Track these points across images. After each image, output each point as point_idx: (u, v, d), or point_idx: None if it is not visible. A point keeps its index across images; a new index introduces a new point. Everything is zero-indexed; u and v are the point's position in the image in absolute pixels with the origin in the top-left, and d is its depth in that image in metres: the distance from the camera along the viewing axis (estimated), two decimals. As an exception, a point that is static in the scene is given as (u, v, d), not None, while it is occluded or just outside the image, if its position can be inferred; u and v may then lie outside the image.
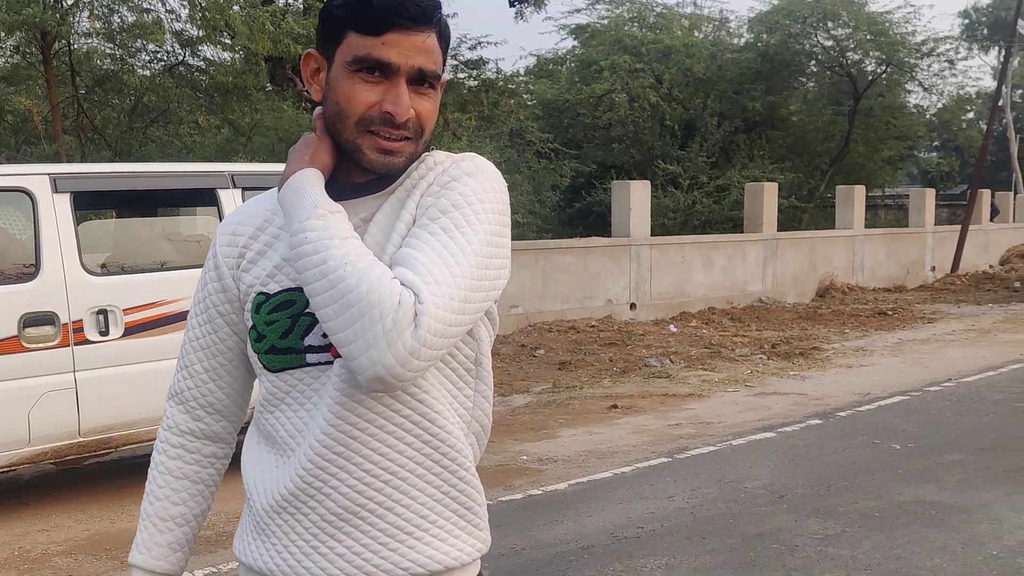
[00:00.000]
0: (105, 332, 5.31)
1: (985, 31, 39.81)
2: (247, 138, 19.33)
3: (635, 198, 13.66)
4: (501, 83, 17.16)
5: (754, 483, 5.59)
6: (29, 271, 5.21)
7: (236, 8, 11.73)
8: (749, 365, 10.07)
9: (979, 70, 41.68)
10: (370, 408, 1.32)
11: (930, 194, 20.91)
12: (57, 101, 12.35)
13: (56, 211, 5.23)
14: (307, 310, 1.34)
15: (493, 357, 7.31)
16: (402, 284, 1.22)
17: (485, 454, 6.06)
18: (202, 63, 16.72)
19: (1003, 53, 21.02)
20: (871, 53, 22.67)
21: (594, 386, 8.91)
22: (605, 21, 23.84)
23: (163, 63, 15.97)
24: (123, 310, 5.36)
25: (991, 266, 22.45)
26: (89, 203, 5.67)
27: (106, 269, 5.57)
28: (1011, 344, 11.45)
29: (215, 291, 1.46)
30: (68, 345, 5.19)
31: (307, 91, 10.39)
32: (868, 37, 22.21)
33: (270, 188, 5.11)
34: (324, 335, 1.33)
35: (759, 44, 23.09)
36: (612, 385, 8.96)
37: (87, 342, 5.25)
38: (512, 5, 16.80)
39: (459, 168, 1.35)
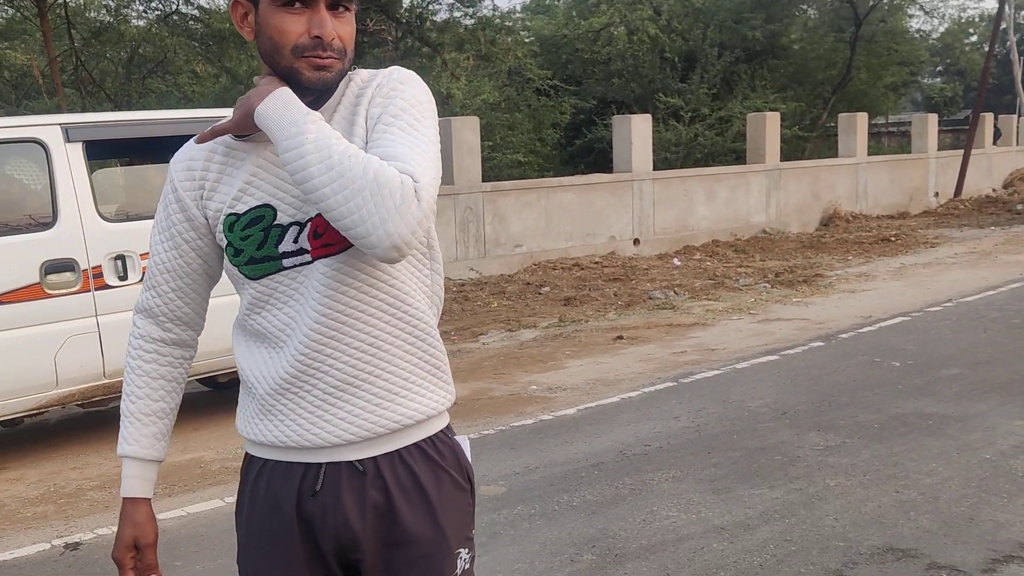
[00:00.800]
0: (124, 276, 5.46)
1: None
2: (245, 86, 19.29)
3: (636, 132, 13.69)
4: (498, 21, 17.09)
5: (757, 402, 5.78)
6: (45, 220, 5.34)
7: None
8: (753, 294, 10.23)
9: (982, -8, 41.12)
10: (352, 296, 1.55)
11: (933, 119, 20.82)
12: (55, 55, 12.37)
13: (70, 160, 5.36)
14: (276, 222, 1.55)
15: (499, 296, 7.50)
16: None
17: (495, 384, 6.27)
18: (195, 11, 16.67)
19: (1005, -27, 20.75)
20: (871, -23, 22.42)
21: (599, 319, 9.09)
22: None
23: (158, 12, 15.93)
24: (140, 255, 5.51)
25: (994, 189, 22.44)
26: (101, 151, 5.79)
27: (121, 215, 5.71)
28: (1011, 265, 11.58)
29: (179, 221, 1.65)
30: (89, 290, 5.35)
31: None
32: (868, -39, 21.96)
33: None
34: (295, 241, 1.54)
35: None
36: (617, 318, 9.13)
37: (107, 287, 5.41)
38: (507, -59, 16.65)
39: (394, 80, 1.56)
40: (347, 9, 1.54)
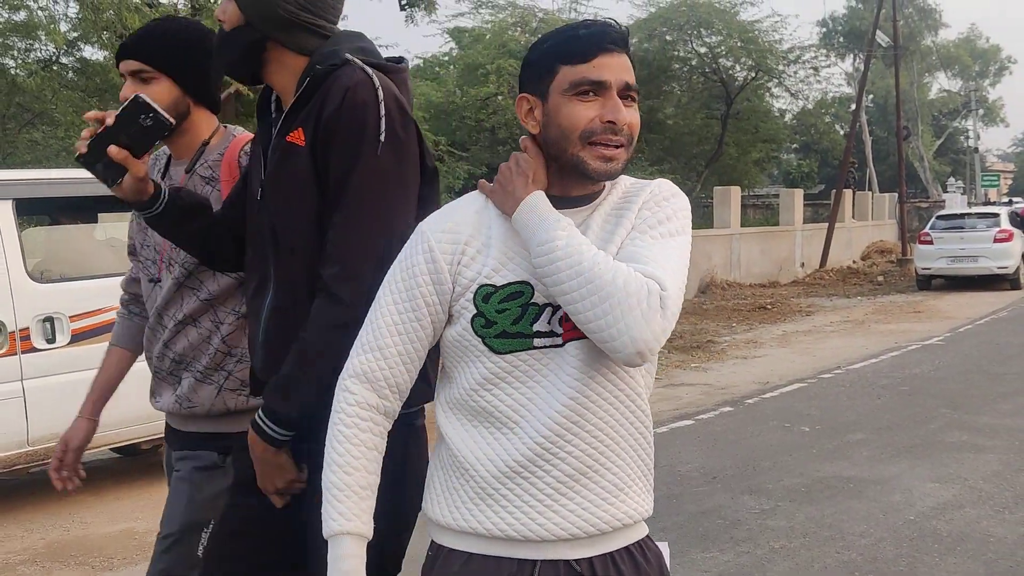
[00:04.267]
0: (52, 340, 5.26)
1: (841, 39, 42.14)
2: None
3: (532, 200, 14.00)
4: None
5: (686, 466, 5.99)
6: (-29, 279, 5.11)
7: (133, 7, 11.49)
8: (652, 359, 10.54)
9: (838, 77, 44.26)
10: (599, 383, 1.54)
11: (799, 194, 22.13)
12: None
13: (-1, 218, 5.17)
14: (533, 300, 1.54)
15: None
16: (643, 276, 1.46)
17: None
18: (77, 62, 16.22)
19: (861, 60, 22.38)
20: (741, 60, 23.80)
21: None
22: (489, 25, 24.22)
23: (39, 63, 15.43)
24: (69, 317, 5.32)
25: (855, 261, 23.92)
26: (31, 209, 5.60)
27: (51, 276, 5.50)
28: (885, 334, 12.35)
29: (427, 283, 1.57)
30: (15, 353, 5.13)
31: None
32: (739, 44, 23.33)
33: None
34: (548, 322, 1.54)
35: (639, 51, 23.89)
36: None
37: (34, 350, 5.19)
38: (403, 8, 16.92)
39: (664, 191, 1.62)
40: (633, 100, 1.58)
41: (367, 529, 1.57)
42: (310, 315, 1.77)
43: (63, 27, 14.40)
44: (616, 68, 1.54)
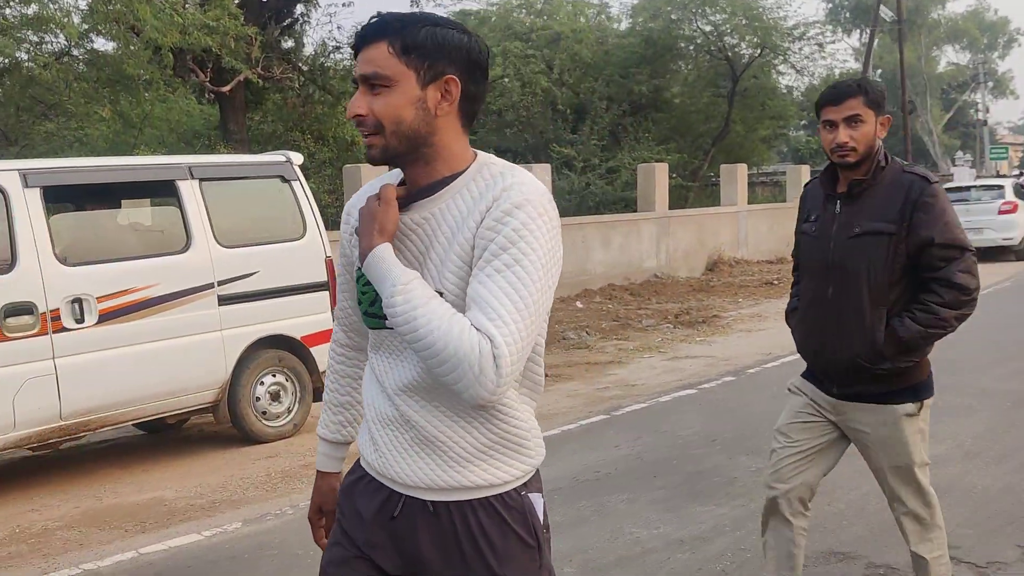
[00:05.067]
0: (81, 320, 5.54)
1: (847, 14, 42.05)
2: (139, 130, 19.08)
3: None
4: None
5: (687, 431, 6.24)
6: (4, 264, 5.39)
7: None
8: (659, 334, 10.80)
9: (844, 52, 44.13)
10: None
11: (806, 171, 22.20)
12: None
13: (28, 205, 5.44)
14: None
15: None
16: (478, 330, 1.56)
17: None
18: (87, 54, 16.47)
19: (868, 35, 22.45)
20: (747, 37, 23.86)
21: (519, 358, 9.44)
22: (494, 7, 24.37)
23: (52, 55, 15.68)
24: (96, 298, 5.60)
25: (861, 236, 24.01)
26: (58, 196, 5.87)
27: (77, 259, 5.77)
28: (888, 305, 12.51)
29: (345, 255, 1.92)
30: (47, 333, 5.41)
31: (209, 82, 10.30)
32: (743, 22, 23.39)
33: (225, 178, 5.58)
34: None
35: (644, 30, 23.99)
36: (536, 356, 9.51)
37: (64, 330, 5.48)
38: (408, -6, 17.12)
39: (509, 201, 1.62)
40: (385, 86, 1.65)
41: (333, 436, 2.06)
42: None
43: (75, 19, 14.67)
44: (361, 63, 1.67)
